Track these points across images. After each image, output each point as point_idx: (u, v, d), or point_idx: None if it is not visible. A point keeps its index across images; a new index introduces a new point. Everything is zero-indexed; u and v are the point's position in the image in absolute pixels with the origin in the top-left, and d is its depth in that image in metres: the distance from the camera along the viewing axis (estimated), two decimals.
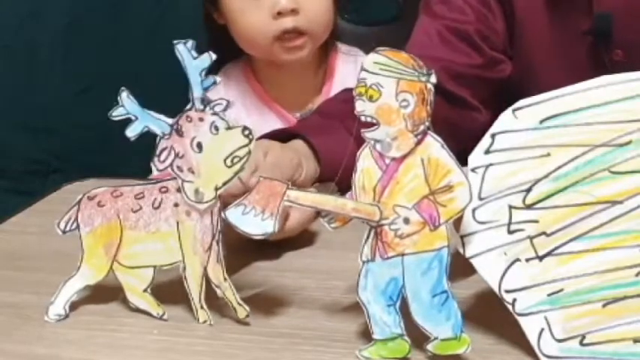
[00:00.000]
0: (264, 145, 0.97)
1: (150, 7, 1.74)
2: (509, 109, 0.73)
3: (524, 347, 0.72)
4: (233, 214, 0.76)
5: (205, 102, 0.77)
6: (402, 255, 0.72)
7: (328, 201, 0.74)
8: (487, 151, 0.72)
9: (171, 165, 0.78)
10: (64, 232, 0.82)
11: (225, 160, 0.76)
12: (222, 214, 0.77)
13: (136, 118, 0.78)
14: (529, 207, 0.72)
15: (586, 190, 0.71)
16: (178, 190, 0.79)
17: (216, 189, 0.77)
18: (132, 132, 0.78)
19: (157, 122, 0.78)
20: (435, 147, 0.71)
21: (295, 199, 0.75)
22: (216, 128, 0.76)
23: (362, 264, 0.74)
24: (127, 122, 0.78)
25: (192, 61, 0.76)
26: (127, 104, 0.78)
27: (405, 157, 0.71)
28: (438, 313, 0.72)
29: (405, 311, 0.73)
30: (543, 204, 0.71)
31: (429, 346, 0.72)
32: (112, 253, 0.82)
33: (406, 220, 0.72)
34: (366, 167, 0.73)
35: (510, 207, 0.72)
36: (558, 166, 0.71)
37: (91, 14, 1.74)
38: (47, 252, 0.97)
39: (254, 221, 0.75)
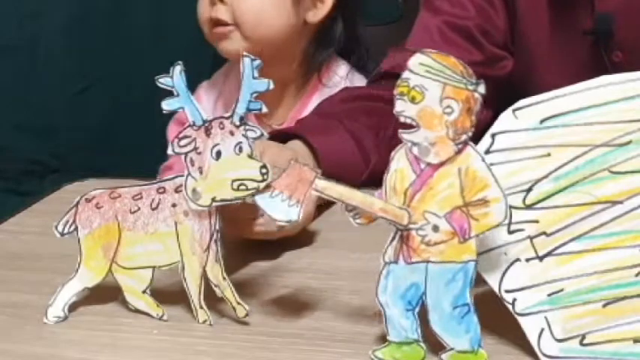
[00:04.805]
0: (261, 144, 0.96)
1: (150, 7, 1.74)
2: (509, 109, 0.72)
3: (524, 347, 0.72)
4: (262, 198, 0.75)
5: (243, 121, 0.76)
6: (427, 262, 0.71)
7: (356, 196, 0.72)
8: (487, 151, 0.72)
9: (186, 154, 0.77)
10: (62, 234, 0.82)
11: (232, 182, 0.76)
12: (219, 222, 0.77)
13: (177, 95, 0.77)
14: (529, 207, 0.72)
15: (586, 190, 0.70)
16: (176, 190, 0.79)
17: (213, 200, 0.77)
18: (167, 105, 0.77)
19: (194, 110, 0.77)
20: (474, 159, 0.69)
21: (323, 189, 0.73)
22: (240, 150, 0.76)
23: (384, 265, 0.72)
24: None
25: (252, 79, 0.76)
26: (175, 78, 0.77)
27: (441, 164, 0.70)
28: (457, 325, 0.71)
29: (423, 317, 0.72)
30: (543, 204, 0.71)
31: (444, 356, 0.72)
32: (111, 254, 0.82)
33: (435, 228, 0.70)
34: (400, 168, 0.71)
35: (510, 207, 0.72)
36: (558, 166, 0.71)
37: (92, 14, 1.74)
38: (47, 252, 0.97)
39: (281, 206, 0.74)
